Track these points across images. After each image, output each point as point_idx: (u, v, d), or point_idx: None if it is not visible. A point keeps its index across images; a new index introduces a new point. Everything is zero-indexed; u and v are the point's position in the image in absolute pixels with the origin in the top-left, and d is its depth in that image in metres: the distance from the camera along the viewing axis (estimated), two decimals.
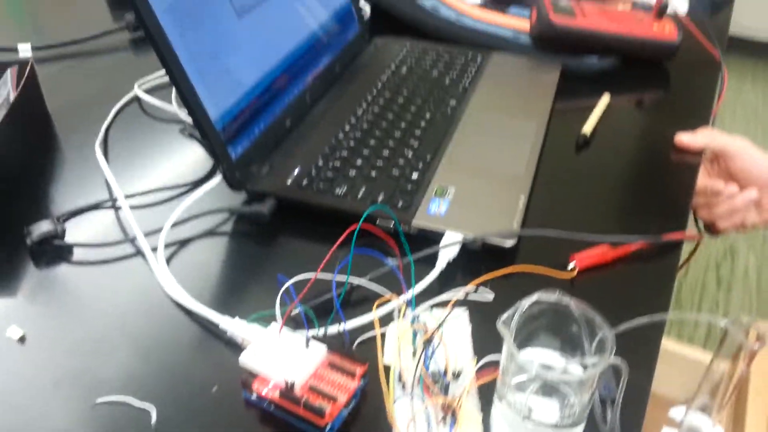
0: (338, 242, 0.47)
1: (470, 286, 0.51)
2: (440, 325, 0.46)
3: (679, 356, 0.53)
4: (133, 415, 0.43)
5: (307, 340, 0.45)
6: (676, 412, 0.53)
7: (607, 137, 0.73)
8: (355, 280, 0.51)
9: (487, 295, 0.51)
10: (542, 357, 0.42)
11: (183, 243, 0.58)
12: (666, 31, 0.86)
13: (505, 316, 0.39)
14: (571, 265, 0.55)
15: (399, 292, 0.50)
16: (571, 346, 0.41)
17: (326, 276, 0.49)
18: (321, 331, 0.47)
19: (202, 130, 0.58)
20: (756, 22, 2.77)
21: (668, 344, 0.61)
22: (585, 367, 0.40)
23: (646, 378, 0.47)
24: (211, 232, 0.59)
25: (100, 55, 0.89)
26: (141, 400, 0.44)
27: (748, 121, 2.44)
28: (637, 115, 0.80)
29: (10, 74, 0.65)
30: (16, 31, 1.01)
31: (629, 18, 0.87)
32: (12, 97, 0.64)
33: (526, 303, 0.40)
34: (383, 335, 0.47)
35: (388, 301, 0.49)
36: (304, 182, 0.60)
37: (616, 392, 0.46)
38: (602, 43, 0.85)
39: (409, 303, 0.49)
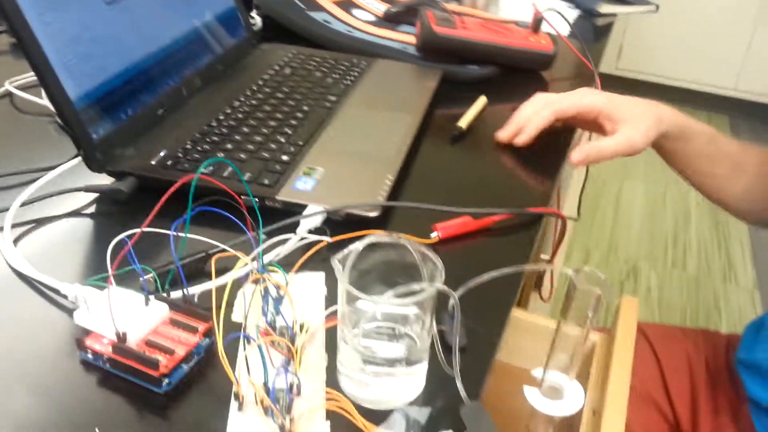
0: (168, 194, 0.45)
1: (323, 243, 0.51)
2: (287, 283, 0.45)
3: (548, 330, 0.54)
4: None
5: (146, 298, 0.44)
6: (537, 372, 0.54)
7: (482, 132, 0.75)
8: (207, 246, 0.50)
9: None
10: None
11: (39, 222, 0.55)
12: (542, 43, 0.90)
13: (340, 255, 0.39)
14: (434, 234, 0.56)
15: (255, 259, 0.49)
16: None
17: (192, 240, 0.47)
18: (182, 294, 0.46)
19: (59, 107, 0.56)
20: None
21: (540, 319, 0.63)
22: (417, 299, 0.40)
23: (497, 332, 0.48)
24: (72, 213, 0.57)
25: None
26: None
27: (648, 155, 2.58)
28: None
29: None
30: None
31: (508, 30, 0.92)
32: None
33: (361, 243, 0.40)
34: (233, 295, 0.46)
35: (235, 258, 0.48)
36: (169, 162, 0.60)
37: (465, 341, 0.46)
38: (482, 52, 0.89)
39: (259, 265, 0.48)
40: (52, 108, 0.68)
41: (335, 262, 0.38)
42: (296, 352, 0.40)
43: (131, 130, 0.63)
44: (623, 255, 2.12)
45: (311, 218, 0.54)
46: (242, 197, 0.53)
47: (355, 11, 1.01)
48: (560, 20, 0.99)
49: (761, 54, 2.76)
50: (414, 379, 0.42)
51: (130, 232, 0.47)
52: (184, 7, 0.75)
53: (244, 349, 0.42)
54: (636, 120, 0.68)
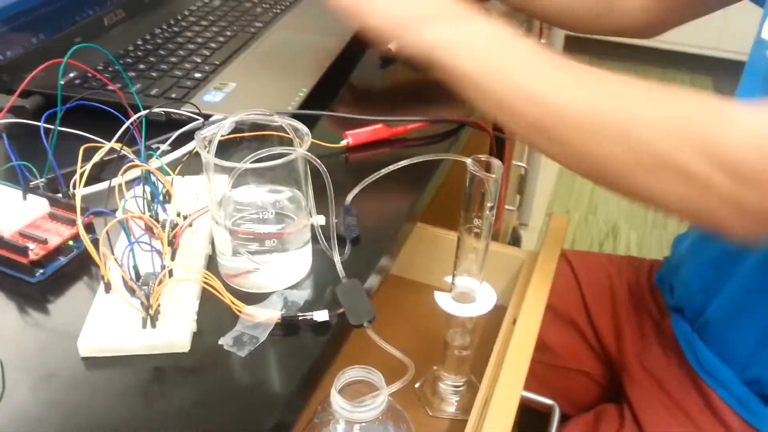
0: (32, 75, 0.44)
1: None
2: (171, 176, 0.44)
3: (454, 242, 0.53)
4: None
5: (24, 193, 0.43)
6: (448, 279, 0.53)
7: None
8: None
9: None
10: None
11: None
12: None
13: (205, 130, 0.38)
14: (344, 141, 0.55)
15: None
16: None
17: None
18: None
19: None
20: None
21: (444, 232, 0.62)
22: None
23: (393, 229, 0.47)
24: None
25: None
26: None
27: None
28: None
29: None
30: None
31: None
32: None
33: (230, 119, 0.39)
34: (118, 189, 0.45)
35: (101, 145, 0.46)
36: (77, 82, 0.58)
37: (356, 233, 0.45)
38: None
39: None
40: None
41: (199, 137, 0.37)
42: (165, 236, 0.39)
43: (43, 55, 0.62)
44: (602, 215, 2.11)
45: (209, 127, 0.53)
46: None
47: None
48: None
49: (742, 11, 2.73)
50: (294, 265, 0.41)
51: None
52: None
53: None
54: None
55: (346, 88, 0.66)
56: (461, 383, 0.58)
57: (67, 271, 0.41)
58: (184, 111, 0.55)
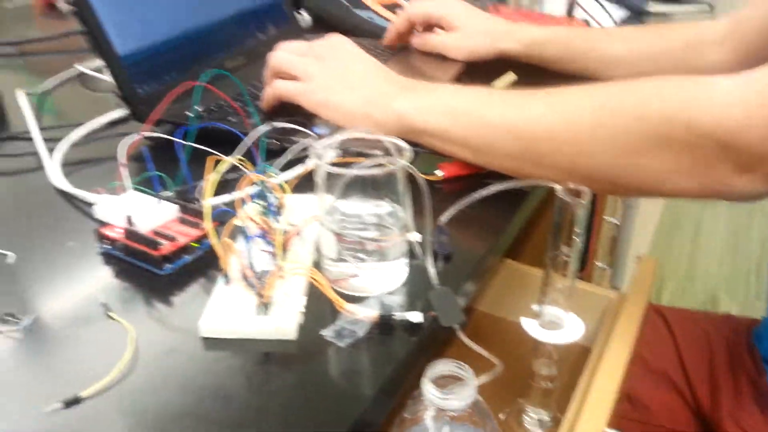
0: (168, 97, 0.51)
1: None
2: (284, 190, 0.49)
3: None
4: None
5: (158, 199, 0.49)
6: (535, 307, 0.54)
7: None
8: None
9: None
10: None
11: (86, 161, 0.62)
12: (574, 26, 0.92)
13: (319, 144, 0.43)
14: (438, 172, 0.58)
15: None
16: None
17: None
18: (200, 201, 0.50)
19: (109, 63, 0.64)
20: None
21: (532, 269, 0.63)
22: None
23: (484, 248, 0.50)
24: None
25: (60, 54, 0.98)
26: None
27: None
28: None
29: None
30: None
31: (541, 17, 0.94)
32: None
33: (341, 136, 0.44)
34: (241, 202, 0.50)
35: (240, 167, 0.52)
36: (203, 115, 0.66)
37: (449, 248, 0.48)
38: None
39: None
40: (112, 81, 0.76)
41: (313, 147, 0.42)
42: (279, 239, 0.44)
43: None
44: (701, 285, 2.03)
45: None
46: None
47: (398, 11, 1.06)
48: (602, 12, 1.00)
49: None
50: (391, 273, 0.44)
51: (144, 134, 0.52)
52: None
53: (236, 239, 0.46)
54: (471, 30, 0.83)
55: None
56: (546, 417, 0.59)
57: (190, 268, 0.46)
58: (296, 138, 0.60)
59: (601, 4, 0.99)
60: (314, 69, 0.61)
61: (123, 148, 0.52)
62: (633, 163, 0.46)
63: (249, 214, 0.45)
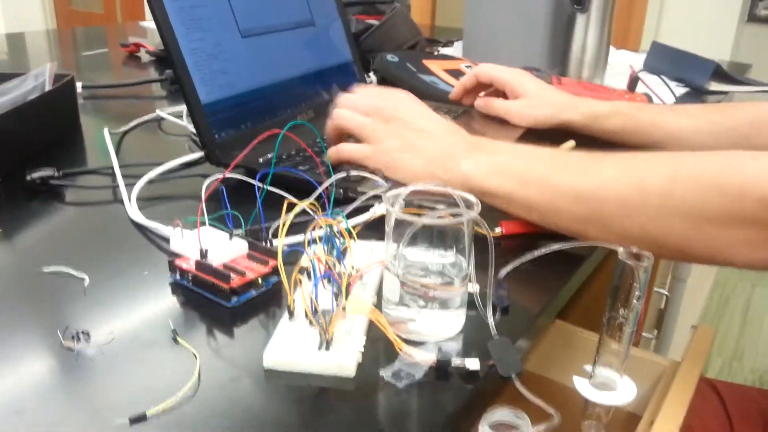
0: (259, 138, 0.54)
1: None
2: (351, 234, 0.51)
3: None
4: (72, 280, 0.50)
5: (230, 235, 0.51)
6: (588, 367, 0.54)
7: None
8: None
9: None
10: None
11: (161, 198, 0.66)
12: (636, 100, 0.94)
13: (390, 193, 0.45)
14: (498, 229, 0.60)
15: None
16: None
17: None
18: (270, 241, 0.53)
19: (191, 108, 0.68)
20: None
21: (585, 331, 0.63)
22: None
23: (542, 303, 0.50)
24: (191, 195, 0.67)
25: (138, 98, 1.04)
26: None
27: None
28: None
29: (48, 68, 0.78)
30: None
31: (603, 89, 0.96)
32: (47, 87, 0.76)
33: (411, 186, 0.46)
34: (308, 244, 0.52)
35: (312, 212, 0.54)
36: (270, 157, 0.69)
37: (506, 303, 0.49)
38: None
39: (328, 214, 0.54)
40: (190, 129, 0.81)
41: (385, 196, 0.44)
42: (343, 280, 0.45)
43: (248, 138, 0.73)
44: (749, 364, 1.95)
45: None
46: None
47: (461, 77, 1.10)
48: (663, 88, 1.02)
49: None
50: (450, 320, 0.45)
51: (222, 175, 0.55)
52: (310, 54, 0.88)
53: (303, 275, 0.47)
54: (536, 100, 0.86)
55: None
56: None
57: (256, 302, 0.48)
58: (362, 189, 0.63)
59: (663, 80, 1.01)
60: (380, 132, 0.63)
61: (205, 185, 0.55)
62: (704, 232, 0.47)
63: (317, 254, 0.47)
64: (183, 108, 0.91)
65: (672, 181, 0.48)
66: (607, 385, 0.53)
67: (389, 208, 0.43)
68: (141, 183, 0.65)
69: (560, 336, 0.71)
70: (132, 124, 0.87)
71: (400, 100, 0.66)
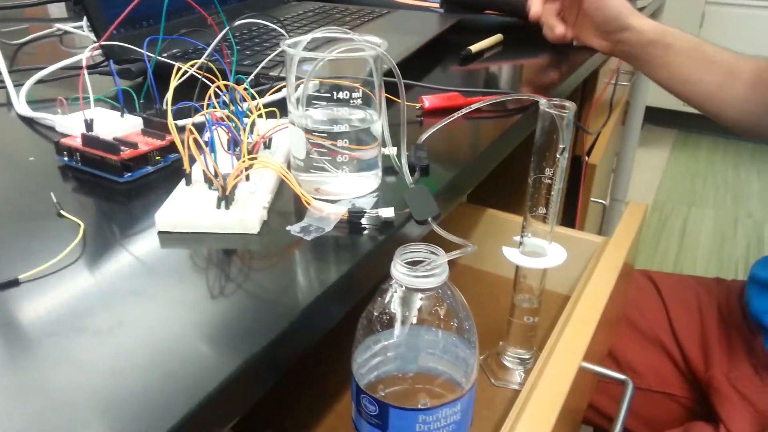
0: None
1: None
2: (252, 96, 0.47)
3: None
4: None
5: (122, 112, 0.46)
6: (517, 238, 0.52)
7: (492, 58, 0.76)
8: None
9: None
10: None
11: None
12: None
13: (290, 41, 0.41)
14: (419, 104, 0.57)
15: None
16: None
17: None
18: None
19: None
20: None
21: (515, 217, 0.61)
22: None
23: (460, 163, 0.48)
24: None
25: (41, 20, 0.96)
26: None
27: (717, 188, 2.47)
28: (530, 52, 0.82)
29: None
30: None
31: None
32: None
33: (311, 34, 0.42)
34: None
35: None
36: (177, 55, 0.64)
37: (426, 161, 0.46)
38: (502, 3, 0.90)
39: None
40: (92, 38, 0.74)
41: (284, 42, 0.40)
42: (245, 139, 0.41)
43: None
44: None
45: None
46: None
47: None
48: None
49: None
50: (364, 180, 0.42)
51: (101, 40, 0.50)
52: None
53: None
54: None
55: (426, 79, 0.68)
56: (527, 356, 0.56)
57: (151, 179, 0.44)
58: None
59: None
60: None
61: (85, 53, 0.50)
62: None
63: (214, 113, 0.42)
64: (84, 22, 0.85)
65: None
66: (537, 252, 0.52)
67: (288, 50, 0.39)
68: (31, 82, 0.59)
69: (491, 225, 0.69)
70: (29, 37, 0.80)
71: None
